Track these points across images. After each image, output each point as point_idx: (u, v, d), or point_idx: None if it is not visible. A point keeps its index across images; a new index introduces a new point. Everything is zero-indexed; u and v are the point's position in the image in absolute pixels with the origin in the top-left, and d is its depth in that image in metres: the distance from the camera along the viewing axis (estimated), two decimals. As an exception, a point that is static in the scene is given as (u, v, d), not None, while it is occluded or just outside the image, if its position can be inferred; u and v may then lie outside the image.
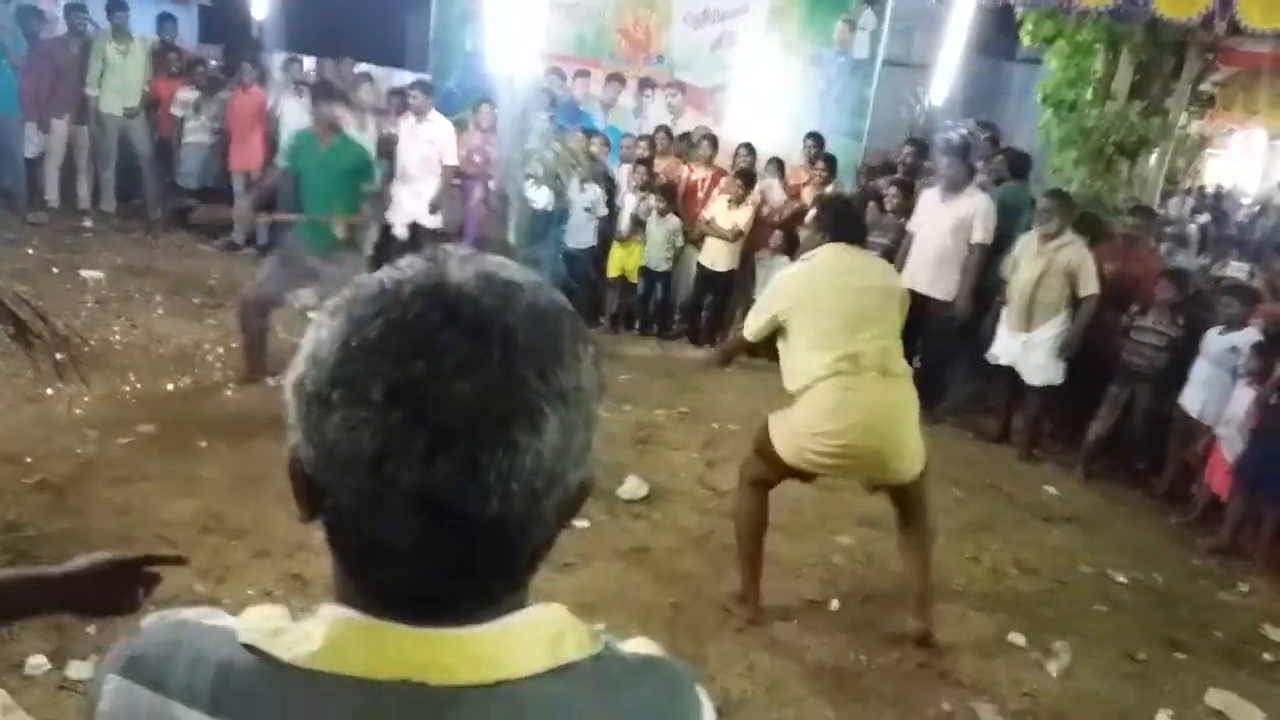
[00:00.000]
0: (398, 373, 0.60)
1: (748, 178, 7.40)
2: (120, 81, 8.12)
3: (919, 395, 3.59)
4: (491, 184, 7.52)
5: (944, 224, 6.20)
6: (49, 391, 4.56)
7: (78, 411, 4.58)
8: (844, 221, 3.60)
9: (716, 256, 7.40)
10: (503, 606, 0.67)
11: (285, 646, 0.65)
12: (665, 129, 8.12)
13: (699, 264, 7.50)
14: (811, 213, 3.89)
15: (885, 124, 8.73)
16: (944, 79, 8.68)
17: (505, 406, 0.61)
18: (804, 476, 3.56)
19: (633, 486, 4.59)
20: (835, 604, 3.86)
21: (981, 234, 6.17)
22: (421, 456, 0.59)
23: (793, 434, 3.40)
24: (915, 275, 6.17)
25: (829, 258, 3.50)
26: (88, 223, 8.15)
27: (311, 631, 0.65)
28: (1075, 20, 7.35)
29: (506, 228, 6.16)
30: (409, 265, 0.66)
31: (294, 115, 7.81)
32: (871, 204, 7.01)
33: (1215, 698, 3.56)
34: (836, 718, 3.12)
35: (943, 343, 6.34)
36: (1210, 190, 13.95)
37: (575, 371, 0.65)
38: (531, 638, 0.67)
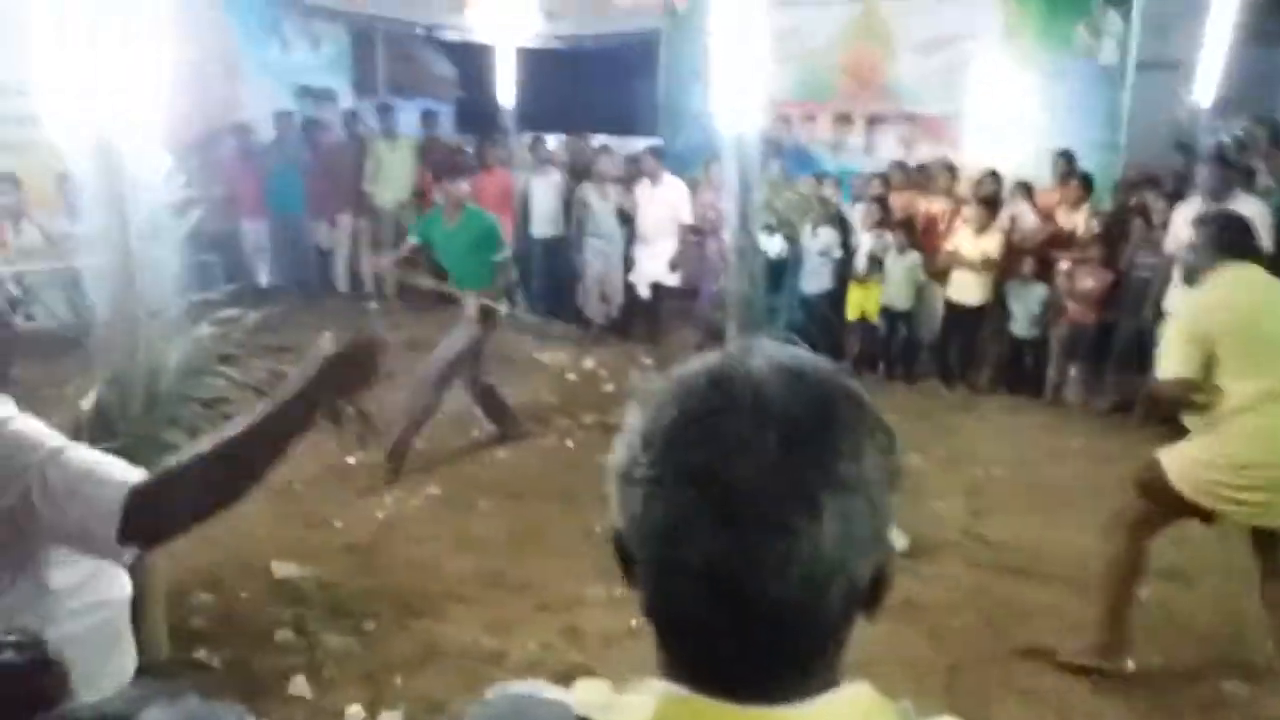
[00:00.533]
0: (688, 456, 0.66)
1: (991, 203, 7.08)
2: (391, 175, 9.02)
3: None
4: (726, 237, 7.65)
5: None
6: (350, 460, 5.10)
7: (373, 479, 5.07)
8: (1237, 236, 3.29)
9: (965, 289, 7.08)
10: (814, 684, 0.69)
11: (618, 719, 0.70)
12: (900, 164, 7.94)
13: (947, 299, 7.21)
14: (1194, 232, 3.49)
15: (1145, 132, 8.08)
16: (1211, 76, 7.92)
17: (781, 491, 0.64)
18: (1202, 517, 3.28)
19: (894, 538, 4.43)
20: (1131, 664, 3.55)
21: (1263, 242, 5.53)
22: (706, 533, 0.64)
23: (1205, 466, 3.16)
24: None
25: (1241, 278, 3.20)
26: (373, 304, 9.05)
27: (641, 705, 0.69)
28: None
29: (744, 279, 6.23)
30: (710, 357, 0.73)
31: (542, 191, 8.37)
32: (1138, 221, 6.49)
33: None
34: (1144, 792, 2.86)
35: None
36: None
37: (857, 460, 0.66)
38: (843, 716, 0.70)
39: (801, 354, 0.72)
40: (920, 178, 7.82)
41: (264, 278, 8.89)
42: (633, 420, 0.71)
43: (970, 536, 4.63)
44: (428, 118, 9.70)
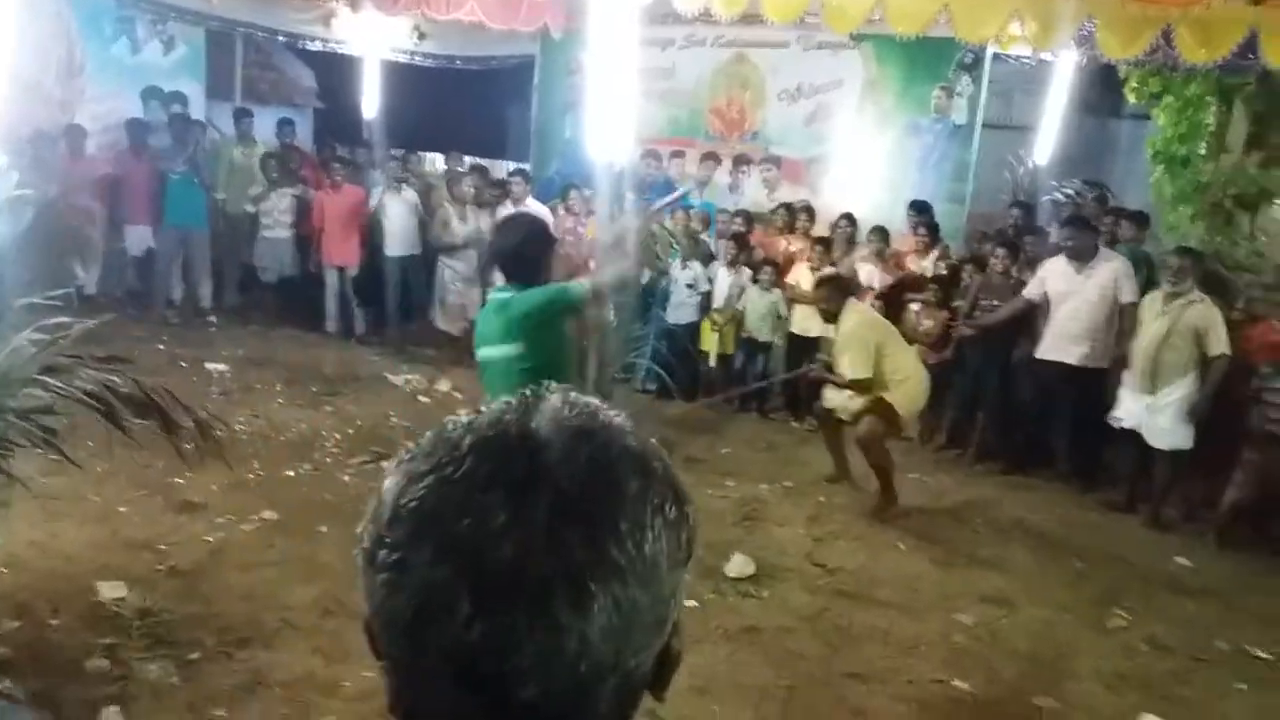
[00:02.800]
0: (438, 533, 0.57)
1: (828, 244, 7.40)
2: (243, 183, 8.69)
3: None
4: (590, 264, 7.70)
5: (1089, 295, 6.07)
6: (179, 481, 4.83)
7: (205, 500, 4.82)
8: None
9: (807, 323, 7.35)
10: None
11: None
12: (787, 205, 8.15)
13: (790, 333, 7.46)
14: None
15: (989, 187, 8.61)
16: (1047, 139, 8.53)
17: (546, 577, 0.55)
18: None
19: (739, 564, 4.53)
20: (958, 684, 3.71)
21: (1130, 293, 6.04)
22: (456, 624, 0.55)
23: (909, 401, 5.49)
24: (1060, 348, 6.14)
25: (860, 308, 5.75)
26: (213, 319, 8.66)
27: None
28: (1183, 76, 7.18)
29: (612, 307, 6.28)
30: (488, 412, 0.63)
31: (397, 209, 8.22)
32: (969, 268, 6.91)
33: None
34: (962, 808, 2.98)
35: (1093, 407, 6.11)
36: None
37: (638, 540, 0.58)
38: None
39: (598, 412, 0.64)
40: (786, 217, 8.06)
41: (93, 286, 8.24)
42: (383, 487, 0.61)
43: (812, 562, 4.75)
44: (284, 126, 9.39)
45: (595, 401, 0.65)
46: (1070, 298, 6.11)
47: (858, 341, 5.42)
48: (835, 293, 5.59)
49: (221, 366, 7.16)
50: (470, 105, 11.34)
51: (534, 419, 0.61)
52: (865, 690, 3.60)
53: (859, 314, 5.61)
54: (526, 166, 8.88)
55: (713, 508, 5.35)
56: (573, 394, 0.65)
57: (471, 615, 0.55)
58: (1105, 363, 6.08)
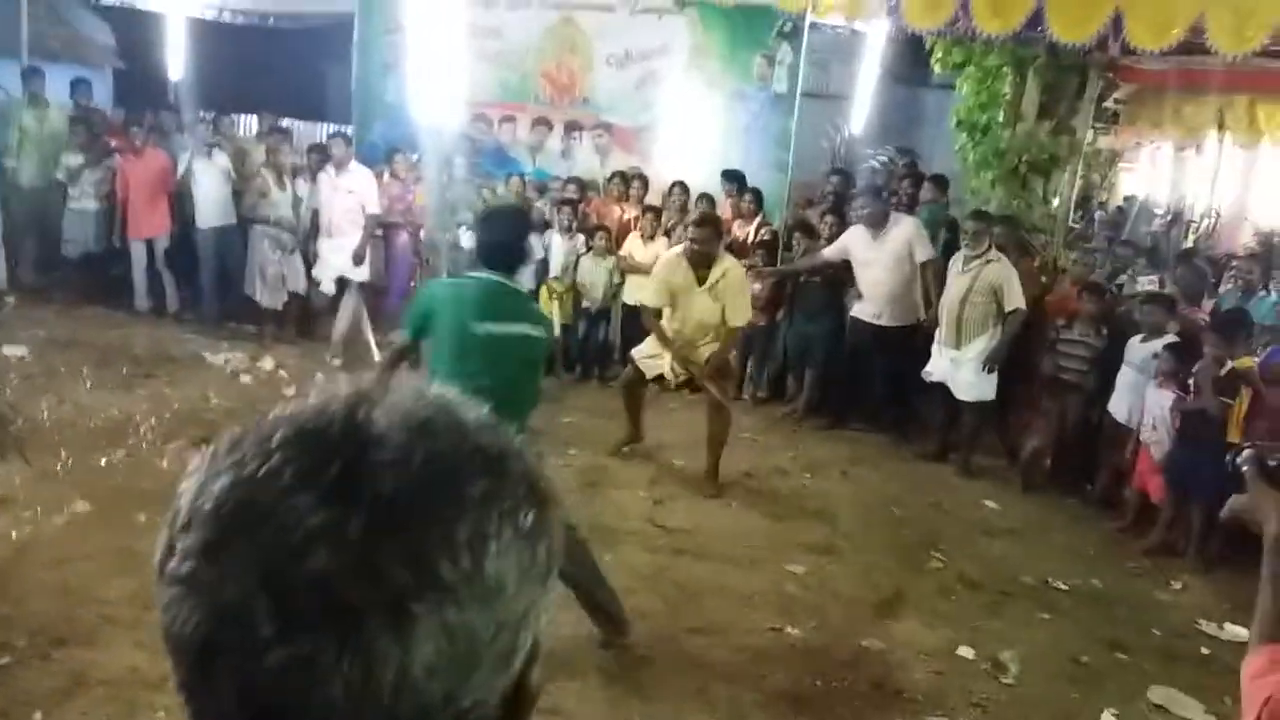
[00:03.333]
0: (240, 541, 0.49)
1: (658, 213, 7.51)
2: (39, 150, 7.97)
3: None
4: (421, 234, 7.54)
5: (885, 260, 6.45)
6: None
7: (7, 493, 4.46)
8: None
9: (640, 294, 7.42)
10: None
11: None
12: (621, 174, 8.17)
13: (624, 303, 7.54)
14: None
15: (809, 155, 8.92)
16: (862, 108, 8.93)
17: (358, 596, 0.47)
18: (656, 380, 5.67)
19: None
20: (790, 630, 3.92)
21: (925, 252, 6.48)
22: (257, 646, 0.47)
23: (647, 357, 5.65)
24: (866, 308, 6.53)
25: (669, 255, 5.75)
26: (9, 299, 7.94)
27: None
28: (982, 47, 7.65)
29: (439, 277, 6.17)
30: (318, 400, 0.54)
31: (207, 178, 7.72)
32: (797, 234, 7.19)
33: (1157, 694, 3.68)
34: (796, 746, 3.16)
35: (909, 364, 6.49)
36: (1123, 203, 14.48)
37: (478, 553, 0.50)
38: None
39: (453, 407, 0.55)
40: (621, 185, 8.11)
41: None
42: (181, 486, 0.54)
43: (653, 524, 4.88)
44: (79, 86, 8.62)
45: (455, 396, 0.57)
46: (871, 264, 6.50)
47: (745, 286, 5.57)
48: (715, 235, 5.45)
49: (20, 350, 6.61)
50: (286, 65, 10.75)
51: (370, 411, 0.53)
52: (705, 643, 3.75)
53: (733, 260, 5.60)
54: (347, 129, 8.53)
55: (553, 477, 5.38)
56: (432, 388, 0.57)
57: (270, 640, 0.47)
58: (910, 320, 6.49)
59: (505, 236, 3.46)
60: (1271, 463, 1.50)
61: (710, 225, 5.55)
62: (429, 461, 0.51)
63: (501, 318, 3.31)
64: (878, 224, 6.47)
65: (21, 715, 3.01)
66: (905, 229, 6.51)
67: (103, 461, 5.02)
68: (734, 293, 5.37)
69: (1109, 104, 10.08)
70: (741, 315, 5.42)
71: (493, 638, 0.51)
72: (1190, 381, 5.07)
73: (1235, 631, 4.31)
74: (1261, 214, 11.50)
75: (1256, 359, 5.08)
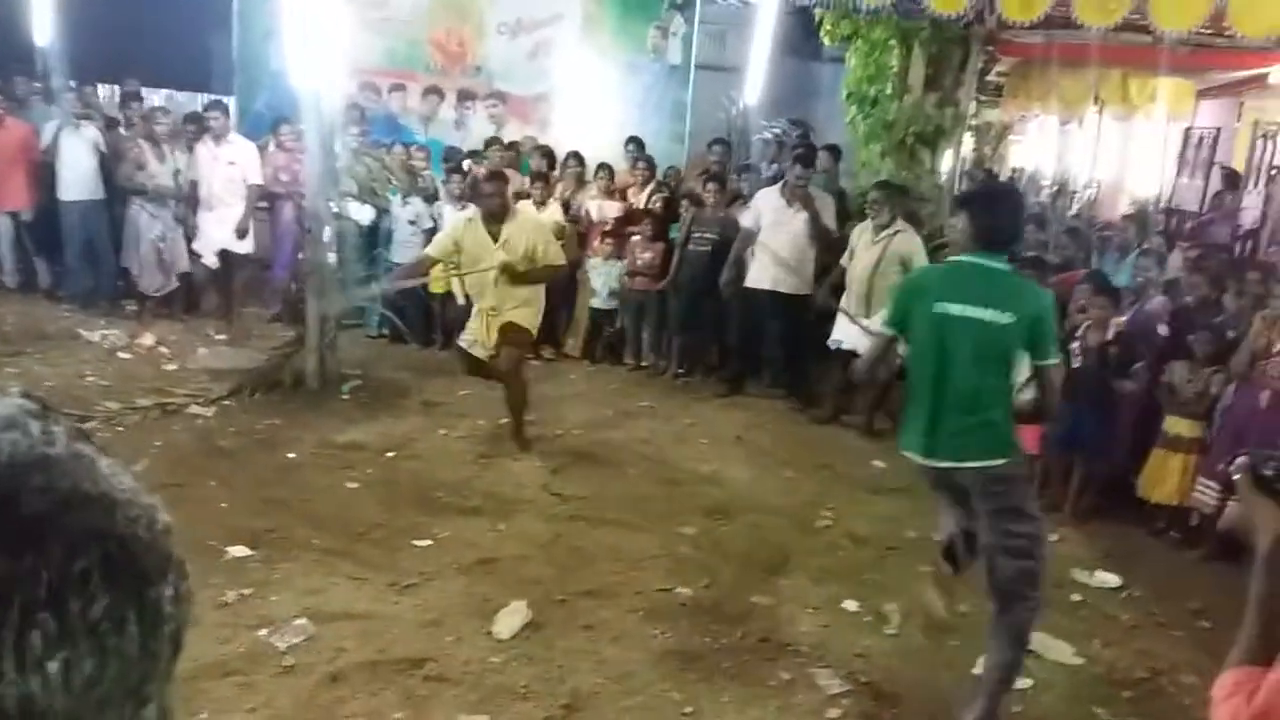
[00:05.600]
0: None
1: (547, 178, 7.45)
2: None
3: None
4: (304, 204, 7.30)
5: (796, 227, 6.51)
6: None
7: None
8: None
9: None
10: None
11: None
12: (496, 139, 8.06)
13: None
14: None
15: (705, 126, 8.97)
16: (756, 80, 9.00)
17: None
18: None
19: (508, 621, 3.57)
20: (682, 590, 3.95)
21: (831, 225, 6.61)
22: None
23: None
24: (767, 275, 6.56)
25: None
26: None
27: None
28: (867, 19, 7.78)
29: (324, 248, 5.99)
30: None
31: (75, 148, 7.32)
32: (685, 202, 7.23)
33: (1031, 639, 3.83)
34: (683, 699, 3.19)
35: (802, 330, 6.62)
36: (1013, 174, 15.00)
37: (52, 633, 0.37)
38: None
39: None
40: (514, 155, 7.98)
41: None
42: None
43: (549, 492, 4.86)
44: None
45: (13, 409, 0.43)
46: (780, 229, 6.55)
47: (542, 227, 5.62)
48: (505, 186, 5.40)
49: None
50: (164, 32, 10.25)
51: None
52: (597, 605, 3.76)
53: (525, 210, 5.70)
54: (226, 99, 8.20)
55: (450, 449, 5.32)
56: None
57: None
58: (804, 290, 6.60)
59: (1005, 218, 3.15)
60: (1266, 472, 1.42)
61: (499, 179, 5.48)
62: None
63: (973, 301, 2.95)
64: (800, 193, 6.54)
65: None
66: (822, 201, 6.63)
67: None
68: (532, 234, 5.26)
69: (992, 77, 10.40)
70: (553, 253, 5.31)
71: None
72: (1075, 344, 5.28)
73: (1104, 578, 4.54)
74: (1137, 184, 12.04)
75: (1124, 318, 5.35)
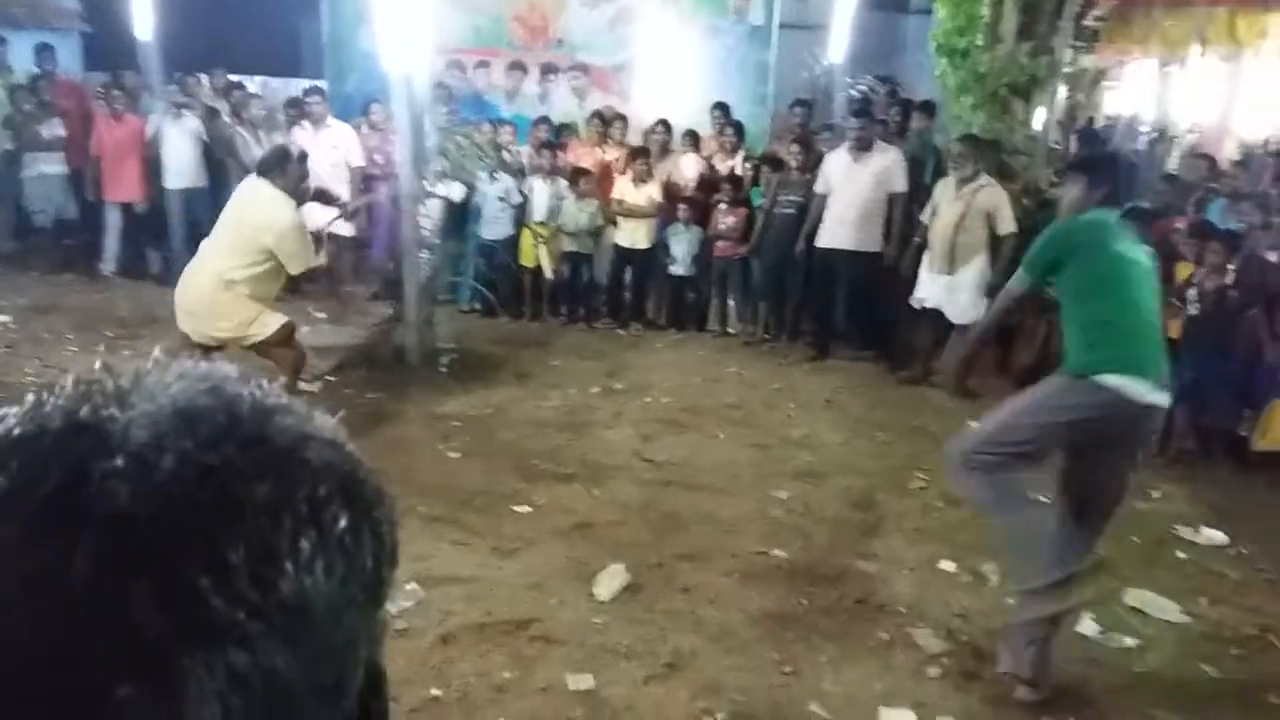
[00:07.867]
0: None
1: (646, 154, 7.49)
2: (5, 118, 7.89)
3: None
4: (399, 184, 7.49)
5: (863, 181, 6.47)
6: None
7: None
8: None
9: (634, 235, 7.47)
10: None
11: None
12: (599, 114, 8.09)
13: (616, 244, 7.56)
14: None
15: (788, 87, 8.86)
16: (841, 38, 8.84)
17: (97, 668, 0.36)
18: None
19: (610, 583, 3.67)
20: (776, 553, 4.00)
21: (901, 184, 6.52)
22: None
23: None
24: (837, 234, 6.51)
25: None
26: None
27: None
28: (956, -33, 7.55)
29: (418, 226, 6.16)
30: (60, 391, 0.42)
31: (179, 138, 7.66)
32: (765, 168, 7.19)
33: (1133, 596, 3.78)
34: (781, 659, 3.25)
35: (876, 291, 6.59)
36: (1108, 122, 14.38)
37: (264, 580, 0.39)
38: None
39: (220, 383, 0.44)
40: (601, 126, 8.02)
41: None
42: None
43: (640, 458, 4.94)
44: (43, 52, 8.50)
45: (234, 371, 0.46)
46: (848, 187, 6.51)
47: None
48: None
49: (2, 317, 6.62)
50: (256, 22, 10.59)
51: (107, 404, 0.41)
52: (693, 568, 3.83)
53: None
54: (322, 84, 8.44)
55: (544, 418, 5.45)
56: (211, 362, 0.46)
57: None
58: (874, 248, 6.53)
59: (1118, 182, 3.43)
60: None
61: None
62: (184, 463, 0.39)
63: (1129, 246, 3.20)
64: (865, 147, 6.48)
65: None
66: (889, 157, 6.58)
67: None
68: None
69: (1089, 22, 9.97)
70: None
71: (306, 677, 0.40)
72: (1189, 292, 5.15)
73: (1210, 535, 4.42)
74: (1244, 127, 11.43)
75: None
